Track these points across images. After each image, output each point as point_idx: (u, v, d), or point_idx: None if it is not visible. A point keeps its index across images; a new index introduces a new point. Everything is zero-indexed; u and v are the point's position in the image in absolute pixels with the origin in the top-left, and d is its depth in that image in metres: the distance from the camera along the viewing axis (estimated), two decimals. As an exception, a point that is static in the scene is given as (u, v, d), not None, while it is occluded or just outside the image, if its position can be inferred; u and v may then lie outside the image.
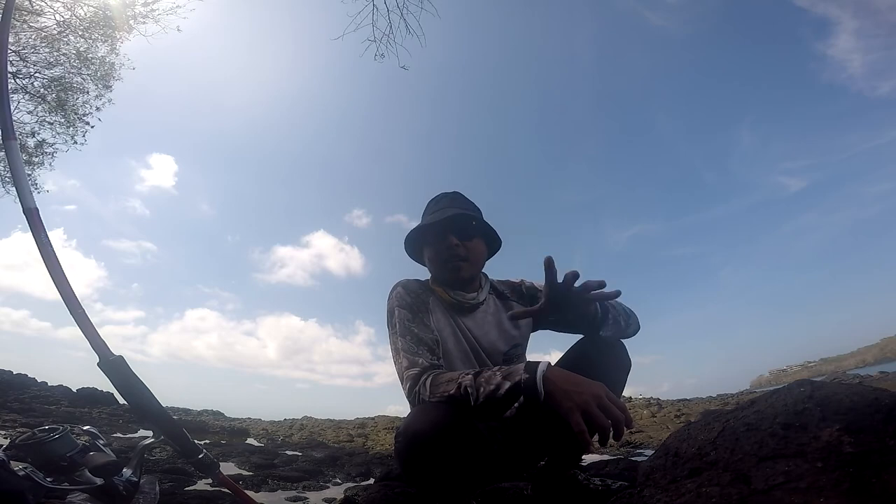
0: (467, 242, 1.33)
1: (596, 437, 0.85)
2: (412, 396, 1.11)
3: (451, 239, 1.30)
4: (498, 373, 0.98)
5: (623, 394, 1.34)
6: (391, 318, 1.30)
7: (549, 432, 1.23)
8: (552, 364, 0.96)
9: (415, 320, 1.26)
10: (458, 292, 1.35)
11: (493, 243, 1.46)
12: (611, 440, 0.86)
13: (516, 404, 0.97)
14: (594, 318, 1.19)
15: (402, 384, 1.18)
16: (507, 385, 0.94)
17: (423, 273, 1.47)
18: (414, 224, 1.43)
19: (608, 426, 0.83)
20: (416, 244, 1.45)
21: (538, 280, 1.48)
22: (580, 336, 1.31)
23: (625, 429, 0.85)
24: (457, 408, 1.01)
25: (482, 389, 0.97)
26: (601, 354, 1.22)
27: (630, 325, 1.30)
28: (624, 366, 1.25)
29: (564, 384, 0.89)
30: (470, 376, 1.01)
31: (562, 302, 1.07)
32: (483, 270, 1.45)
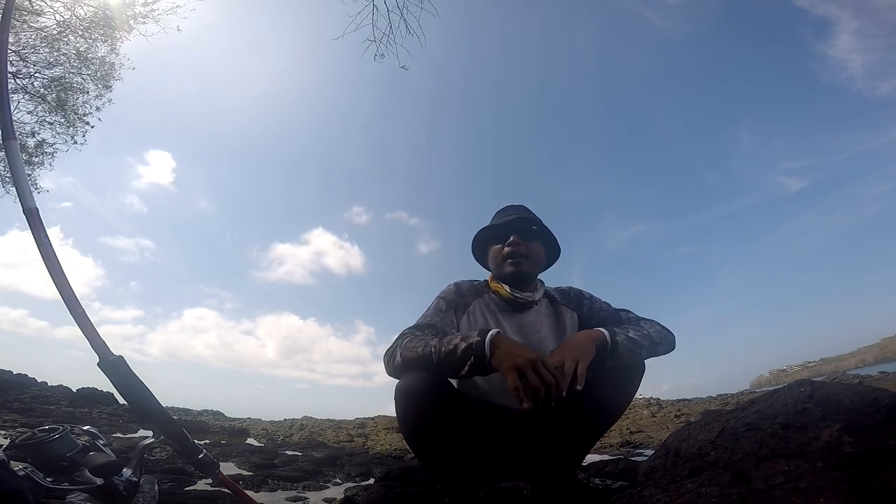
0: (528, 243, 1.45)
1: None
2: (391, 347, 1.24)
3: (514, 237, 1.43)
4: (458, 336, 1.12)
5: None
6: (431, 303, 1.44)
7: (549, 432, 1.23)
8: (502, 333, 1.10)
9: (446, 311, 1.40)
10: (516, 289, 1.44)
11: (552, 252, 1.56)
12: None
13: (469, 363, 1.07)
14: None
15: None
16: (463, 346, 1.07)
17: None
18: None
19: (539, 386, 0.96)
20: (481, 245, 1.58)
21: (584, 288, 1.60)
22: None
23: (556, 393, 0.97)
24: (430, 370, 1.14)
25: (443, 349, 1.10)
26: None
27: (658, 348, 1.30)
28: (637, 368, 1.27)
29: (508, 347, 1.04)
30: (436, 339, 1.14)
31: None
32: (539, 277, 1.54)
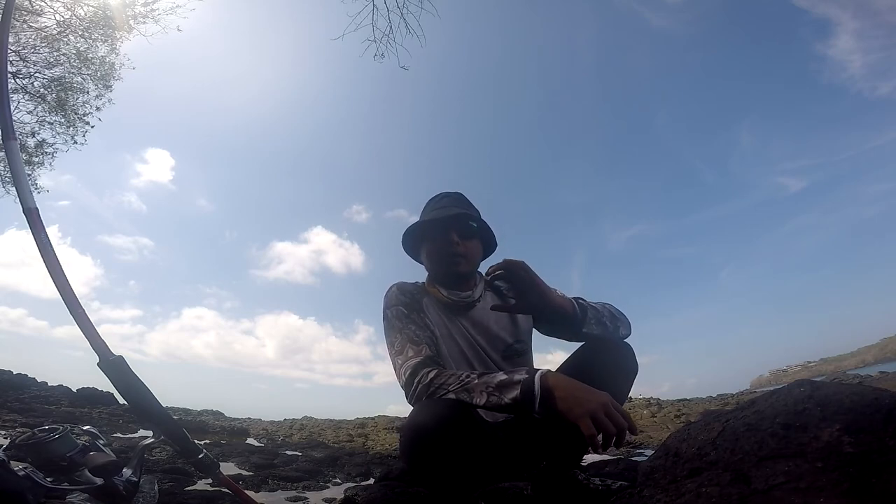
0: (467, 242, 1.35)
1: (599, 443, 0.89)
2: (411, 386, 1.10)
3: (453, 236, 1.33)
4: (498, 376, 1.00)
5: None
6: (387, 315, 1.31)
7: (550, 433, 1.23)
8: (552, 371, 0.98)
9: (410, 316, 1.29)
10: (454, 291, 1.36)
11: (488, 246, 1.48)
12: (611, 446, 0.90)
13: (515, 407, 0.97)
14: (567, 313, 1.23)
15: (399, 375, 1.18)
16: (510, 394, 0.96)
17: (419, 272, 1.49)
18: (415, 220, 1.44)
19: (614, 432, 0.87)
20: (414, 240, 1.46)
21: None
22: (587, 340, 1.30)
23: (627, 435, 0.89)
24: (460, 403, 1.03)
25: (483, 391, 0.99)
26: (608, 357, 1.22)
27: (619, 327, 1.30)
28: (630, 370, 1.25)
29: (571, 390, 0.92)
30: (474, 376, 1.03)
31: (523, 288, 1.20)
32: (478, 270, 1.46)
